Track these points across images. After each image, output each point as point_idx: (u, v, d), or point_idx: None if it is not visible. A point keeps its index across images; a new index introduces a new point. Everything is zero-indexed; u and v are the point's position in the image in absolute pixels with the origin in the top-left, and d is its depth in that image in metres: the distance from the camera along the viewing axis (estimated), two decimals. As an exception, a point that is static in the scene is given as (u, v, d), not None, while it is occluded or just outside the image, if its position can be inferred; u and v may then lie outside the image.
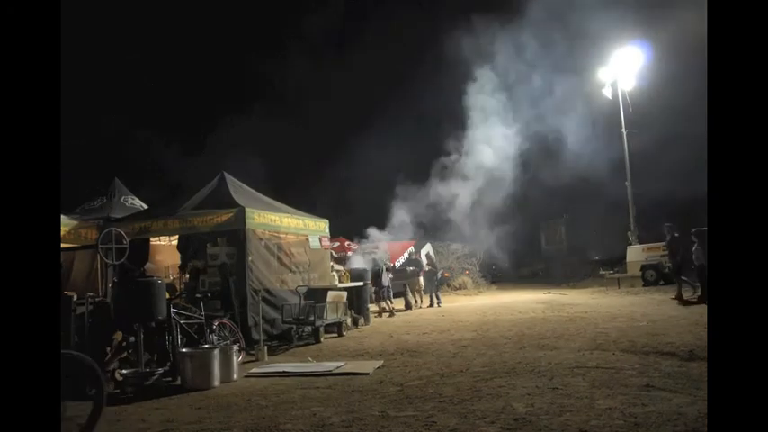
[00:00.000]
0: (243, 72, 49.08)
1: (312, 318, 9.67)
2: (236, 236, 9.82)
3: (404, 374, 6.37)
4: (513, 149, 19.41)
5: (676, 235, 13.27)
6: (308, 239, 11.59)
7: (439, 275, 18.84)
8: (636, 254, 20.82)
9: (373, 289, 14.54)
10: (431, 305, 16.79)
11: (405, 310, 16.02)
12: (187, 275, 10.33)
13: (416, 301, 17.29)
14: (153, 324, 7.04)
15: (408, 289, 17.04)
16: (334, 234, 15.30)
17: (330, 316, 10.18)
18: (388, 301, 14.89)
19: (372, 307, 14.27)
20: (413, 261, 18.83)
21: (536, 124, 20.44)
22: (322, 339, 9.81)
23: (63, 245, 9.99)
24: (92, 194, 12.99)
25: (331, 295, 10.38)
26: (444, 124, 21.81)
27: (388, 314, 14.51)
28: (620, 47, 23.23)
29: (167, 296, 7.23)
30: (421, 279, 17.54)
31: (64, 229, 10.18)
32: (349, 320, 11.39)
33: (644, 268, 20.06)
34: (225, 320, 8.39)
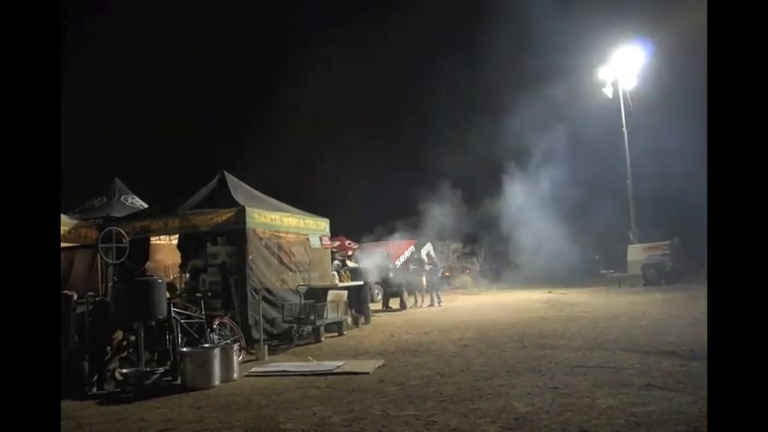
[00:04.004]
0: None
1: (312, 317, 9.67)
2: (237, 235, 9.82)
3: (404, 374, 6.37)
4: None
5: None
6: (308, 239, 11.59)
7: (439, 275, 18.82)
8: (636, 253, 20.81)
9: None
10: (431, 305, 16.79)
11: (399, 310, 16.07)
12: (187, 275, 10.33)
13: (417, 301, 17.30)
14: (153, 323, 7.05)
15: (404, 289, 17.08)
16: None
17: (330, 315, 10.17)
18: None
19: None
20: (415, 260, 18.82)
21: (537, 128, 20.46)
22: (322, 339, 9.80)
23: (63, 244, 9.99)
24: (92, 194, 13.00)
25: (331, 295, 10.38)
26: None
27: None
28: (621, 45, 23.23)
29: (167, 295, 7.23)
30: (424, 278, 17.54)
31: (64, 229, 10.16)
32: (349, 320, 11.39)
33: (645, 267, 20.05)
34: (225, 320, 8.39)
